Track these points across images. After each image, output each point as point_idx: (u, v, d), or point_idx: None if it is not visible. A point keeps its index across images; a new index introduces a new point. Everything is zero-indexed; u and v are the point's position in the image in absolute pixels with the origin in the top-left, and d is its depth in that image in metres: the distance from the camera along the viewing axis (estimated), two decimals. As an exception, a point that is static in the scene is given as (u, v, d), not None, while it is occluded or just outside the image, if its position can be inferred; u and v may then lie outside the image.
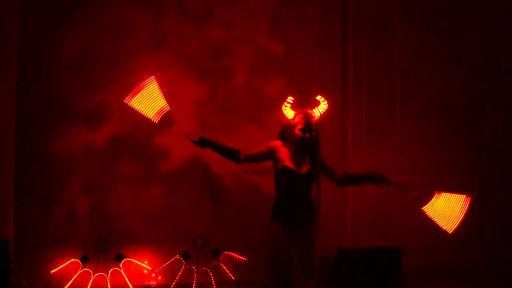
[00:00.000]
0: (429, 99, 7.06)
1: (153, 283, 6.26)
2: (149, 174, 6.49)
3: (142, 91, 4.34)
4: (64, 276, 6.09)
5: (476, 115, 7.23)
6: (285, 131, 4.34)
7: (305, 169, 4.24)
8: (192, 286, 6.25)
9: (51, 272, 6.11)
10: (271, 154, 4.29)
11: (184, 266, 6.32)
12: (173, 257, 6.34)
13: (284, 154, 4.27)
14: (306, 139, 4.23)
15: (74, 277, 6.07)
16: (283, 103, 4.34)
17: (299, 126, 4.25)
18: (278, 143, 4.32)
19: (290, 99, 4.33)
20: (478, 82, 7.22)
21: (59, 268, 6.12)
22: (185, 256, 6.34)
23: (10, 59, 6.01)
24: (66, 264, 6.12)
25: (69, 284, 6.05)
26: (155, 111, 4.36)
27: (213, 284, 6.26)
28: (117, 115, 6.42)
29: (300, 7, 6.88)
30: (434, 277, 6.70)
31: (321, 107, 4.43)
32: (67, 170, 6.30)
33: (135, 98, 4.32)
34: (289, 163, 4.23)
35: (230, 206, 6.65)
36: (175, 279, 6.29)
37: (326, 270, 6.63)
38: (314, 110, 4.41)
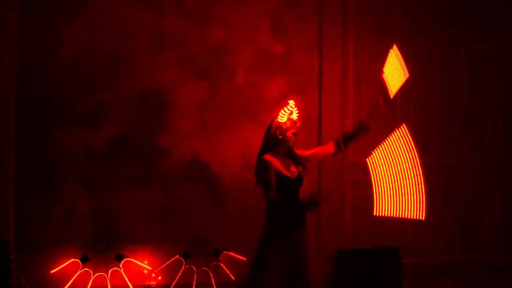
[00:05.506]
0: (429, 99, 7.05)
1: (153, 283, 6.26)
2: (149, 174, 6.49)
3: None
4: (64, 276, 6.09)
5: (476, 115, 7.23)
6: (274, 135, 4.22)
7: (295, 174, 4.22)
8: (192, 286, 6.25)
9: (51, 272, 6.10)
10: (275, 169, 4.16)
11: (184, 266, 6.32)
12: (173, 257, 6.34)
13: (276, 163, 4.18)
14: (296, 143, 4.25)
15: (74, 277, 6.08)
16: (285, 107, 4.26)
17: (293, 130, 4.25)
18: (268, 157, 4.19)
19: (292, 103, 4.27)
20: (478, 82, 7.22)
21: (59, 268, 6.12)
22: (185, 256, 6.34)
23: (10, 59, 6.01)
24: (66, 264, 6.12)
25: (69, 284, 6.06)
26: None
27: (213, 284, 6.27)
28: (117, 115, 6.43)
29: (300, 7, 6.88)
30: (434, 277, 6.70)
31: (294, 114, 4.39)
32: (67, 170, 6.30)
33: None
34: (281, 169, 4.17)
35: (230, 206, 6.65)
36: (175, 279, 6.29)
37: (326, 270, 6.66)
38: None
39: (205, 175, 6.61)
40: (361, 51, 6.96)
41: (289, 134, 4.24)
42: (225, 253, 6.41)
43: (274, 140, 4.23)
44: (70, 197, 6.31)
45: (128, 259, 6.26)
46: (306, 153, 4.35)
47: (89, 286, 6.09)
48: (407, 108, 7.03)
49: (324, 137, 6.86)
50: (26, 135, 6.15)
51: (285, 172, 4.17)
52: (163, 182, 6.52)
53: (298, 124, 4.30)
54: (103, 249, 6.23)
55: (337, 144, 4.34)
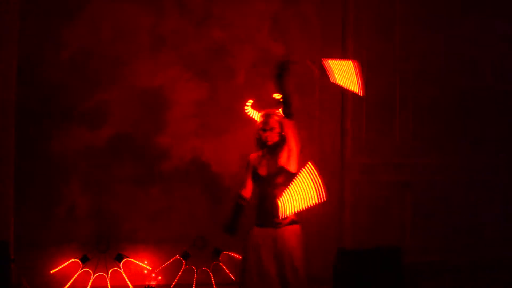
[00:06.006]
0: (429, 99, 7.05)
1: (153, 283, 6.26)
2: (149, 174, 6.50)
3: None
4: (64, 276, 6.10)
5: (475, 115, 7.22)
6: (256, 136, 4.38)
7: (265, 172, 4.25)
8: (192, 286, 6.25)
9: (51, 272, 6.11)
10: (252, 167, 4.34)
11: (184, 266, 6.33)
12: (173, 257, 6.34)
13: (257, 160, 4.32)
14: (266, 138, 4.24)
15: (74, 277, 6.08)
16: (243, 107, 4.43)
17: (259, 126, 4.30)
18: (252, 155, 4.40)
19: (249, 102, 4.44)
20: (478, 82, 7.22)
21: (59, 268, 6.12)
22: (185, 256, 6.34)
23: (10, 59, 6.01)
24: (66, 264, 6.13)
25: (69, 284, 6.06)
26: None
27: (213, 284, 6.27)
28: (117, 115, 6.43)
29: (300, 7, 6.88)
30: (434, 276, 6.70)
31: None
32: (67, 170, 6.31)
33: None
34: (258, 167, 4.29)
35: (230, 206, 6.64)
36: (175, 279, 6.29)
37: (326, 270, 6.66)
38: (278, 111, 4.42)
39: (205, 175, 6.62)
40: (361, 51, 6.95)
41: (260, 132, 4.30)
42: (225, 253, 6.41)
43: (256, 140, 4.36)
44: (70, 197, 6.32)
45: (128, 259, 6.26)
46: (284, 161, 4.25)
47: (89, 286, 6.09)
48: (407, 108, 7.03)
49: (323, 137, 6.86)
50: (26, 135, 6.16)
51: (259, 170, 4.27)
52: (163, 182, 6.52)
53: (271, 119, 4.31)
54: (103, 249, 6.24)
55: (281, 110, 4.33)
